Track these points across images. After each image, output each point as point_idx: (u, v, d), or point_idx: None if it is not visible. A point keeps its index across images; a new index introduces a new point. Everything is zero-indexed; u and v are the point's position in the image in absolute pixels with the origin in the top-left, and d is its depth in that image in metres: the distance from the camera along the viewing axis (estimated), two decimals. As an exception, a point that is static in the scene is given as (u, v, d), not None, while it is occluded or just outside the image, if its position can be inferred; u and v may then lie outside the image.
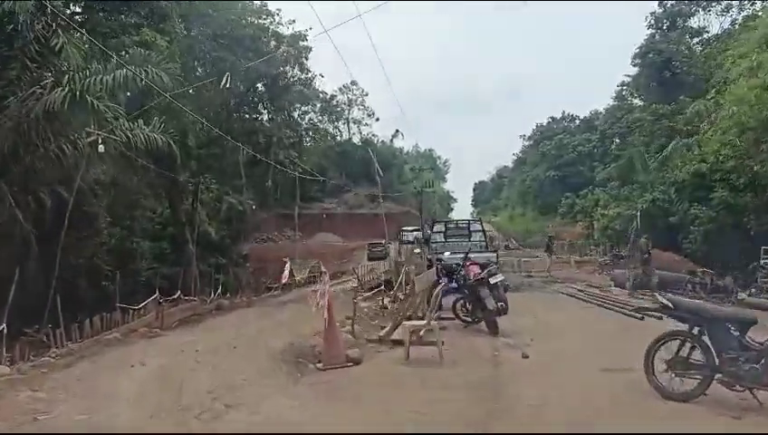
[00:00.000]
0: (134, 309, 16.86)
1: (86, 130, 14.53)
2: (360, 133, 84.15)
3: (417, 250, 20.71)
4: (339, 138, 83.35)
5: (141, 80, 15.86)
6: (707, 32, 48.23)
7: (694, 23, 50.64)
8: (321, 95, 49.53)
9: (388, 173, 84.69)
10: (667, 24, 49.56)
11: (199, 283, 27.51)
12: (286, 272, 12.72)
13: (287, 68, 30.58)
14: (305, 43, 30.44)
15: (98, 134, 14.14)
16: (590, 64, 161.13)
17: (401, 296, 23.87)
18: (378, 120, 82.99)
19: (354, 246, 66.42)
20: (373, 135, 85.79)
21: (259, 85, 29.72)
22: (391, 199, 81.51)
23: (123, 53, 18.37)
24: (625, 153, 62.23)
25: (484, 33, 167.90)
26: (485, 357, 9.90)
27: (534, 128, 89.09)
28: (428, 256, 17.34)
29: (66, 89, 13.52)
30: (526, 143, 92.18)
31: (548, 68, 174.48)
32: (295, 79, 30.82)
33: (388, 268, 51.26)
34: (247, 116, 30.92)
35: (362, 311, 20.34)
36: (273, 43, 30.09)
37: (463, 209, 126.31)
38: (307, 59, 30.71)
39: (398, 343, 10.74)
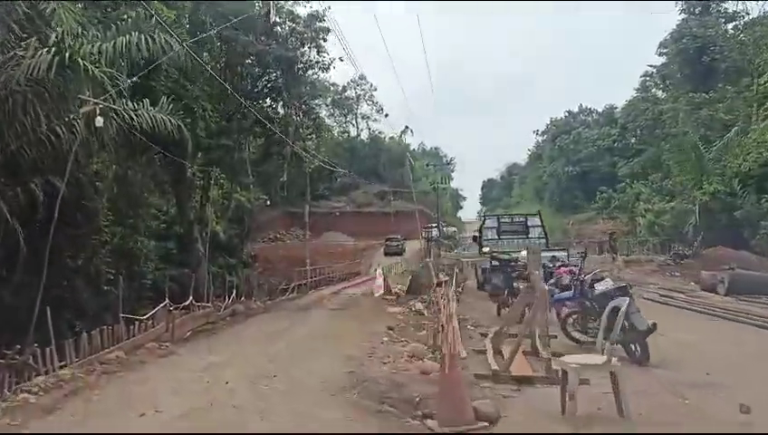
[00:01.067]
0: (141, 320, 14.28)
1: (80, 98, 11.97)
2: (369, 129, 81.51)
3: (486, 249, 18.11)
4: (347, 134, 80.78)
5: (147, 48, 13.37)
6: (743, 16, 45.63)
7: (728, 6, 48.06)
8: (332, 87, 46.89)
9: (398, 170, 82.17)
10: (700, 9, 46.92)
11: (212, 285, 24.98)
12: (380, 281, 10.13)
13: (304, 50, 27.97)
14: (322, 24, 27.86)
15: (95, 103, 11.59)
16: (598, 61, 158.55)
17: (438, 300, 21.40)
18: (387, 115, 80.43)
19: (365, 246, 63.87)
20: (379, 132, 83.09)
21: (273, 69, 27.08)
22: (402, 197, 78.93)
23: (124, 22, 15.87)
24: (648, 147, 60.18)
25: (489, 31, 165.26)
26: (675, 407, 6.84)
27: (549, 122, 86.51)
28: (489, 254, 14.49)
29: (54, 51, 10.96)
30: (540, 138, 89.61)
31: (554, 65, 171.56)
32: (313, 62, 28.23)
33: (405, 268, 48.95)
34: (261, 103, 28.30)
35: (397, 320, 17.92)
36: (288, 24, 27.54)
37: (471, 208, 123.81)
38: (325, 40, 28.10)
39: (523, 380, 7.90)
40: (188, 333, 16.29)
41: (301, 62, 28.57)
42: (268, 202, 41.33)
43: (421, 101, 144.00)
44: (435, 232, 49.30)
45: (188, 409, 6.93)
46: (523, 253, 14.33)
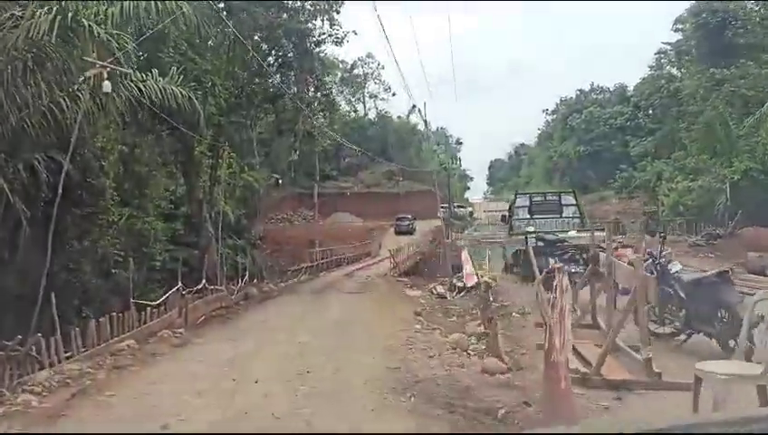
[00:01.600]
0: (152, 306, 13.33)
1: (85, 60, 10.90)
2: (377, 108, 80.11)
3: (530, 228, 16.90)
4: (355, 112, 79.45)
5: (157, 12, 12.31)
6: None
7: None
8: (341, 64, 45.48)
9: (407, 150, 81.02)
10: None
11: (225, 268, 24.08)
12: (468, 268, 9.19)
13: (316, 22, 26.74)
14: (336, -5, 26.59)
15: (101, 66, 10.52)
16: (607, 45, 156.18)
17: (459, 285, 20.43)
18: (394, 94, 78.89)
19: (373, 226, 62.90)
20: (386, 113, 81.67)
21: (284, 43, 25.87)
22: (410, 177, 77.85)
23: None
24: (662, 126, 58.94)
25: (497, 12, 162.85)
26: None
27: (559, 102, 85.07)
28: (534, 235, 13.09)
29: (55, 9, 9.89)
30: (549, 118, 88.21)
31: (562, 50, 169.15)
32: (325, 36, 26.99)
33: (417, 248, 48.01)
34: (272, 79, 27.14)
35: (421, 304, 16.98)
36: (300, -7, 26.33)
37: (477, 189, 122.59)
38: (338, 12, 26.84)
39: (620, 385, 6.66)
40: (202, 319, 15.40)
41: (313, 36, 27.35)
42: (280, 181, 40.18)
43: (427, 82, 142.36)
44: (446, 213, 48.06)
45: (220, 417, 5.93)
46: (572, 232, 13.30)
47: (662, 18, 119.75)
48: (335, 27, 27.08)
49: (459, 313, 14.40)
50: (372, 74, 77.63)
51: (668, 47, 62.47)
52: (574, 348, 6.92)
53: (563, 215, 17.24)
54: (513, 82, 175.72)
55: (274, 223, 60.96)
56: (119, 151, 20.43)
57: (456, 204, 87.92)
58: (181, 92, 14.45)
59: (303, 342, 10.27)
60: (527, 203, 17.40)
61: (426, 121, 27.21)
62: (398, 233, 59.54)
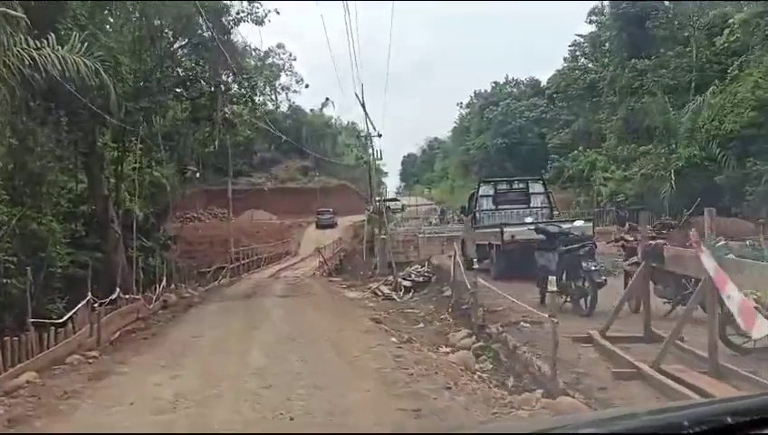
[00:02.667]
0: (56, 324, 10.78)
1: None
2: (289, 101, 77.27)
3: (529, 219, 15.02)
4: (272, 104, 76.34)
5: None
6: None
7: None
8: (254, 52, 42.63)
9: (321, 144, 78.70)
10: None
11: (139, 272, 21.42)
12: None
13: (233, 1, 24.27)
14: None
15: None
16: (515, 43, 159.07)
17: (406, 285, 18.68)
18: (307, 86, 76.36)
19: (291, 223, 60.38)
20: (298, 106, 78.95)
21: (200, 20, 23.20)
22: (327, 173, 75.67)
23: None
24: (578, 117, 59.53)
25: (405, 7, 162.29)
26: None
27: (473, 95, 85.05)
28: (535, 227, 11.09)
29: None
30: (464, 111, 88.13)
31: (470, 42, 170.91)
32: (245, 14, 24.48)
33: (340, 246, 46.08)
34: (185, 61, 24.45)
35: (371, 308, 15.13)
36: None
37: (391, 184, 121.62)
38: (257, -14, 24.41)
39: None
40: (116, 335, 12.91)
41: (230, 14, 24.85)
42: (198, 174, 37.18)
43: (335, 75, 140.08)
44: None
45: None
46: (578, 223, 11.67)
47: (571, 14, 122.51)
48: (254, 4, 24.65)
49: (422, 318, 12.62)
50: (284, 66, 74.75)
51: (582, 39, 63.24)
52: (674, 378, 5.25)
53: (531, 205, 15.71)
54: (425, 77, 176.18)
55: (184, 222, 57.40)
56: (7, 139, 17.52)
57: (387, 197, 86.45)
58: (86, 63, 11.91)
59: (260, 367, 8.08)
60: (492, 192, 15.66)
61: (363, 105, 24.67)
62: (320, 227, 58.62)
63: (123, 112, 22.98)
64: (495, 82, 75.28)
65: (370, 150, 39.21)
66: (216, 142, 27.49)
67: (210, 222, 58.10)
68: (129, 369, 8.61)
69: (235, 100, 26.34)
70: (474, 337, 9.17)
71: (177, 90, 24.72)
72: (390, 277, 20.12)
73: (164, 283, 21.25)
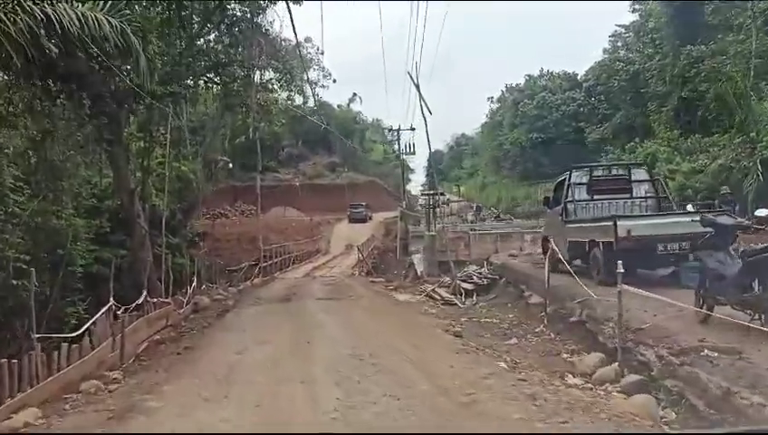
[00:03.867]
0: (70, 339, 8.83)
1: None
2: (316, 96, 75.25)
3: (690, 207, 12.61)
4: (294, 100, 74.49)
5: None
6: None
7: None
8: (284, 43, 40.41)
9: (349, 139, 76.75)
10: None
11: (170, 272, 19.64)
12: None
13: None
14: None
15: None
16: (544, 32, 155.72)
17: (467, 287, 16.57)
18: (335, 81, 74.13)
19: (319, 220, 58.49)
20: (326, 102, 76.83)
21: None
22: (355, 169, 73.77)
23: None
24: (617, 111, 56.86)
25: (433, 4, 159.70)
26: None
27: (504, 89, 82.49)
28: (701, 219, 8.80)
29: None
30: (494, 106, 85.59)
31: (491, 35, 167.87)
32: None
33: (372, 243, 44.05)
34: (216, 45, 22.56)
35: (437, 316, 13.07)
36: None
37: (417, 180, 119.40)
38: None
39: None
40: (143, 347, 10.97)
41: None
42: (230, 165, 35.45)
43: (362, 72, 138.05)
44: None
45: None
46: (763, 211, 9.34)
47: (599, 7, 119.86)
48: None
49: (509, 330, 10.51)
50: (312, 60, 72.75)
51: (623, 30, 60.64)
52: None
53: (635, 194, 13.36)
54: (450, 72, 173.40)
55: (212, 218, 55.86)
56: (23, 123, 15.83)
57: (433, 191, 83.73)
58: (110, 22, 9.96)
59: (337, 406, 5.90)
60: (585, 180, 13.25)
61: (417, 86, 22.11)
62: (352, 221, 58.13)
63: (150, 97, 21.21)
64: (529, 75, 72.71)
65: (399, 145, 36.94)
66: (251, 130, 25.47)
67: (238, 219, 56.54)
68: (161, 403, 6.53)
69: (271, 86, 24.39)
70: (616, 365, 7.00)
71: (209, 75, 22.77)
72: (445, 278, 18.03)
73: (194, 283, 19.31)
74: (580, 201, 12.52)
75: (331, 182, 69.75)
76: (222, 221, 54.69)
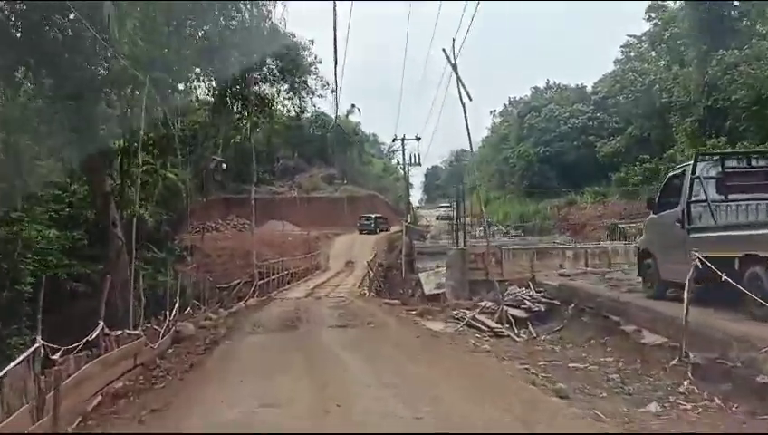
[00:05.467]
0: None
1: None
2: (314, 106, 71.88)
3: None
4: (292, 110, 71.23)
5: None
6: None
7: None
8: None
9: (348, 152, 73.52)
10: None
11: (142, 290, 16.28)
12: None
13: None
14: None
15: None
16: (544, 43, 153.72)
17: (516, 315, 13.24)
18: (333, 91, 70.75)
19: (317, 235, 55.09)
20: (323, 112, 73.48)
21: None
22: (354, 181, 70.49)
23: None
24: (628, 124, 54.00)
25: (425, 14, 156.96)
26: None
27: (507, 102, 79.94)
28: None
29: None
30: (497, 120, 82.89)
31: (488, 49, 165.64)
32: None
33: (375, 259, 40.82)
34: (211, 27, 19.34)
35: (485, 350, 9.73)
36: None
37: (414, 197, 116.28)
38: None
39: None
40: (95, 403, 7.61)
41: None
42: (225, 165, 32.25)
43: (356, 86, 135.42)
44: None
45: None
46: None
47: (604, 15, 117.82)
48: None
49: (625, 386, 7.20)
50: (310, 67, 69.60)
51: (635, 40, 58.13)
52: None
53: None
54: (446, 87, 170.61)
55: (202, 232, 52.44)
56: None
57: (444, 204, 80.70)
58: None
59: None
60: (715, 173, 9.63)
61: (454, 67, 18.47)
62: (362, 232, 57.02)
63: (133, 80, 17.94)
64: (535, 87, 69.85)
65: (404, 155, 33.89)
66: (247, 128, 22.20)
67: (230, 232, 53.13)
68: None
69: (271, 77, 21.13)
70: None
71: (201, 62, 19.54)
72: (486, 303, 14.72)
73: (177, 305, 15.88)
74: (714, 202, 9.05)
75: (329, 195, 66.48)
76: (213, 235, 51.31)
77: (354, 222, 59.76)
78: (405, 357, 9.68)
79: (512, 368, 8.42)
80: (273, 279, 28.16)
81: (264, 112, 24.04)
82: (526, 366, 8.49)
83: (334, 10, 12.39)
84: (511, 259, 19.19)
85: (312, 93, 70.73)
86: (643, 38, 56.52)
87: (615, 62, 59.93)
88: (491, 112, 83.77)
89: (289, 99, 24.88)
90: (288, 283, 30.81)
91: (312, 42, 27.09)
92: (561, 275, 15.58)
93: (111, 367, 8.97)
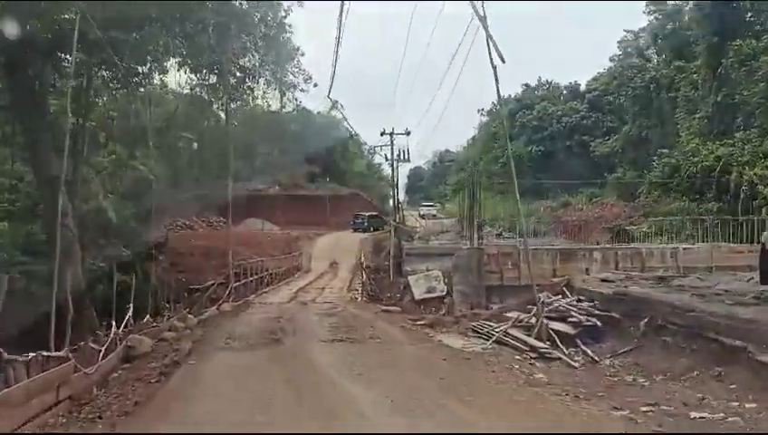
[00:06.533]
0: None
1: None
2: (296, 100, 68.65)
3: None
4: (269, 104, 68.00)
5: None
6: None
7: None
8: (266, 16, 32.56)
9: (330, 149, 70.39)
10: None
11: (96, 292, 13.40)
12: None
13: None
14: None
15: None
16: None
17: (560, 329, 10.48)
18: (316, 85, 67.43)
19: (298, 235, 52.05)
20: (305, 108, 70.05)
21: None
22: (336, 179, 67.46)
23: None
24: (623, 124, 51.85)
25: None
26: None
27: (495, 101, 77.30)
28: None
29: None
30: (484, 119, 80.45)
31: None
32: None
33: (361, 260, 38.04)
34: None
35: (542, 381, 6.91)
36: None
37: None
38: None
39: None
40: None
41: None
42: (195, 144, 29.42)
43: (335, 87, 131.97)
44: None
45: None
46: None
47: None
48: None
49: None
50: (291, 59, 66.37)
51: (631, 36, 56.00)
52: None
53: None
54: (430, 89, 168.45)
55: (175, 229, 49.18)
56: None
57: (426, 203, 77.82)
58: None
59: None
60: None
61: (482, 19, 15.33)
62: (356, 230, 54.62)
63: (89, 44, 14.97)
64: (526, 85, 67.33)
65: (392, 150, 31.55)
66: (224, 102, 19.36)
67: (205, 231, 49.90)
68: None
69: (250, 44, 18.26)
70: None
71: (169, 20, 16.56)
72: (510, 313, 11.99)
73: (129, 313, 12.89)
74: None
75: (310, 193, 63.36)
76: (187, 233, 48.05)
77: (336, 221, 57.02)
78: (441, 393, 6.90)
79: (603, 417, 5.67)
80: (252, 281, 25.17)
81: (243, 88, 21.13)
82: (628, 414, 5.73)
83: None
84: (529, 261, 16.47)
85: (294, 87, 67.80)
86: (641, 34, 54.31)
87: (611, 59, 57.61)
88: (479, 111, 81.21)
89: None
90: (268, 284, 27.85)
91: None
92: (603, 280, 12.87)
93: (29, 398, 6.07)
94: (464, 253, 18.07)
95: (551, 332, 10.29)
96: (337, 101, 71.44)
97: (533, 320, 10.82)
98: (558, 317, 10.64)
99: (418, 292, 29.89)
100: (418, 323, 13.89)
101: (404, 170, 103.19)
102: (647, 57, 51.91)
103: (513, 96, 71.14)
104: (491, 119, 78.18)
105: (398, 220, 42.39)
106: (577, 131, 57.66)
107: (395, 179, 44.62)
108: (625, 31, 56.86)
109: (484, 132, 77.97)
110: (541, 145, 59.16)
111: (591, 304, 10.94)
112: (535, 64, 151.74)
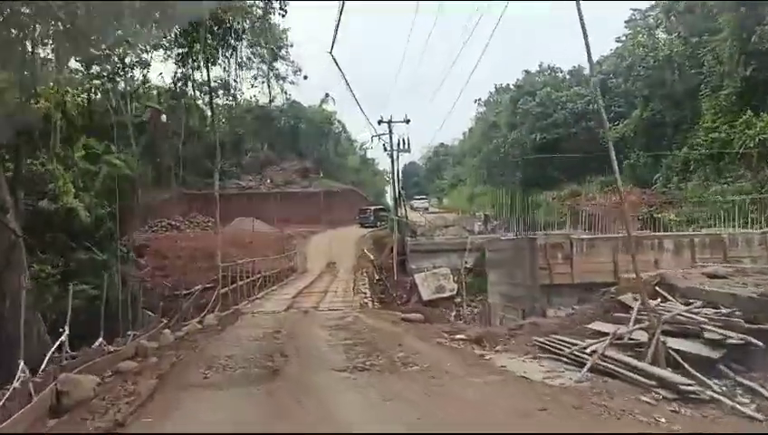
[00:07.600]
0: None
1: None
2: (285, 93, 65.60)
3: None
4: (258, 98, 64.84)
5: None
6: None
7: None
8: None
9: (323, 143, 67.28)
10: None
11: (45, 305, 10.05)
12: None
13: None
14: None
15: None
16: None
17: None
18: (306, 77, 64.57)
19: (291, 234, 48.86)
20: (295, 101, 66.96)
21: None
22: (330, 175, 64.21)
23: None
24: (632, 109, 48.92)
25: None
26: None
27: (494, 90, 74.47)
28: None
29: None
30: (482, 109, 77.38)
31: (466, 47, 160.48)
32: None
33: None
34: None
35: None
36: None
37: (391, 193, 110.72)
38: None
39: None
40: None
41: None
42: (164, 117, 26.26)
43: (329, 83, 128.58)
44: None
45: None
46: None
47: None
48: None
49: None
50: (281, 51, 63.28)
51: (640, 15, 53.00)
52: None
53: None
54: (423, 84, 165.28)
55: (159, 230, 45.93)
56: None
57: (419, 197, 75.05)
58: None
59: None
60: None
61: None
62: (362, 226, 53.40)
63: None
64: (527, 71, 64.20)
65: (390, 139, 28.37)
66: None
67: (191, 231, 46.66)
68: None
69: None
70: None
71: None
72: (587, 322, 8.80)
73: (64, 335, 9.44)
74: None
75: (303, 190, 60.19)
76: (172, 234, 44.85)
77: (331, 219, 54.59)
78: None
79: None
80: (242, 285, 21.83)
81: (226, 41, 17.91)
82: None
83: None
84: (582, 254, 13.29)
85: (284, 79, 64.42)
86: (649, 13, 51.34)
87: (617, 40, 54.57)
88: (476, 101, 78.14)
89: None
90: (261, 288, 24.56)
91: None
92: (711, 276, 9.62)
93: None
94: (506, 245, 14.86)
95: (672, 353, 7.06)
96: (328, 94, 68.37)
97: (638, 334, 7.60)
98: (679, 332, 7.42)
99: (427, 292, 26.56)
100: (456, 337, 10.65)
101: (399, 165, 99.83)
102: (656, 37, 48.92)
103: (511, 84, 68.07)
104: (485, 110, 75.20)
105: (399, 215, 39.27)
106: (583, 117, 54.69)
107: (395, 170, 41.50)
108: (632, 9, 54.11)
109: (482, 123, 74.72)
110: (545, 132, 56.06)
111: (718, 311, 7.70)
112: (533, 52, 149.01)
